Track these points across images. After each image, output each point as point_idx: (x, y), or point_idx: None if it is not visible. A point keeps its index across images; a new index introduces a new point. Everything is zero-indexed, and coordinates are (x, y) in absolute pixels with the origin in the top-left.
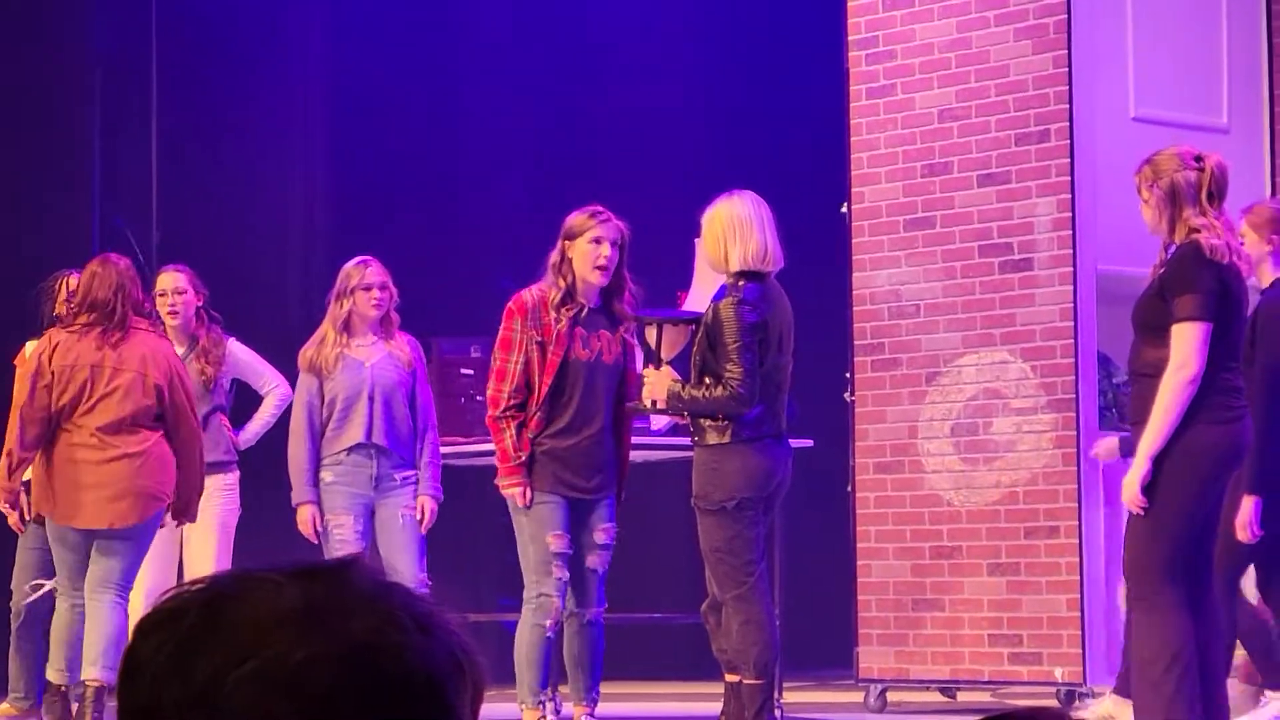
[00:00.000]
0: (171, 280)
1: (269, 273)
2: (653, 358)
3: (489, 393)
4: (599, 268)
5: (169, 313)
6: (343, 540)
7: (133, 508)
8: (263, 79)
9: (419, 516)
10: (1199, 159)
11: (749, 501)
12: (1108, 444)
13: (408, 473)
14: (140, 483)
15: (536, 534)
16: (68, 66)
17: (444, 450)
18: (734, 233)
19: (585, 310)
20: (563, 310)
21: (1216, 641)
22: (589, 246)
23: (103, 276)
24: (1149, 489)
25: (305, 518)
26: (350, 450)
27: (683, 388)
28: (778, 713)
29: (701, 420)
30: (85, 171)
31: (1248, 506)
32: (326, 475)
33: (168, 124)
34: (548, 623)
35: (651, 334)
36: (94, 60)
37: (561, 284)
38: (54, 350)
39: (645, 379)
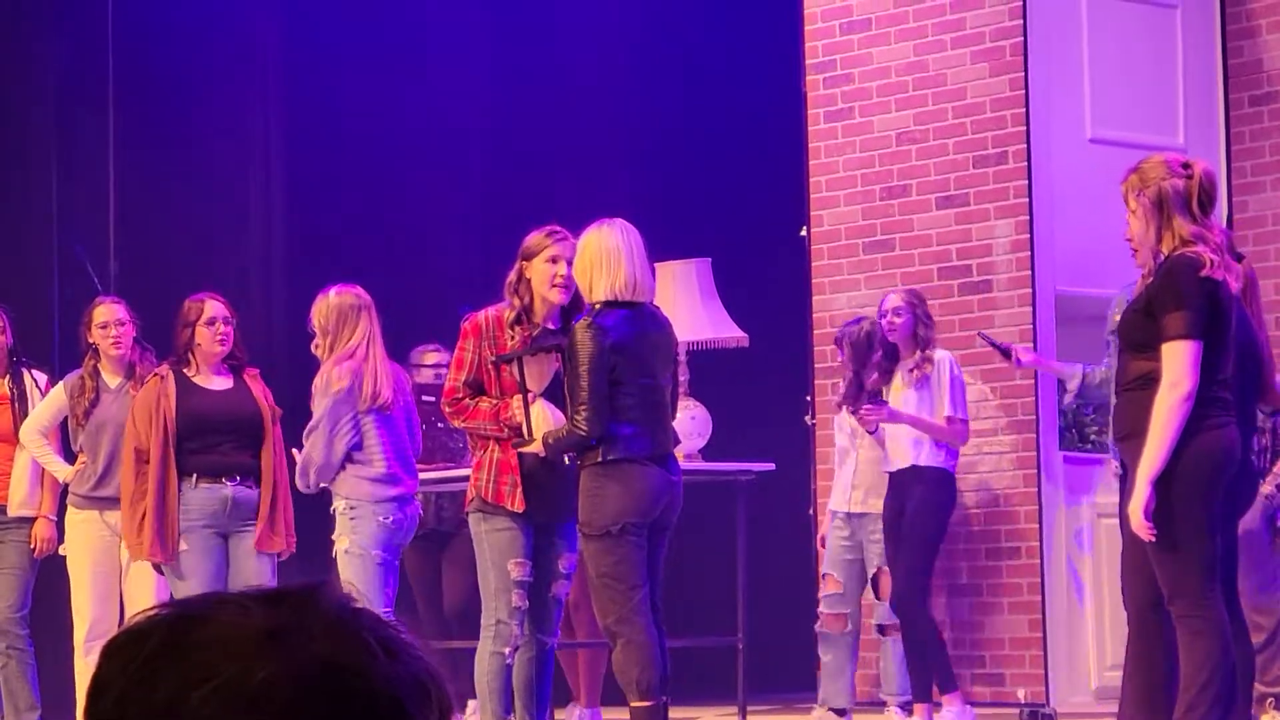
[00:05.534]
0: (112, 312)
1: (228, 300)
2: (522, 391)
3: (446, 414)
4: (557, 286)
5: (113, 343)
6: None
7: None
8: (220, 106)
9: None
10: (1187, 166)
11: (633, 526)
12: None
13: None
14: None
15: (497, 560)
16: (24, 94)
17: None
18: (601, 264)
19: (542, 330)
20: (517, 329)
21: (1248, 651)
22: (546, 266)
23: None
24: (1160, 511)
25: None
26: None
27: (549, 437)
28: None
29: None
30: (43, 200)
31: None
32: None
33: (125, 151)
34: (506, 649)
35: (515, 371)
36: (50, 88)
37: (517, 303)
38: None
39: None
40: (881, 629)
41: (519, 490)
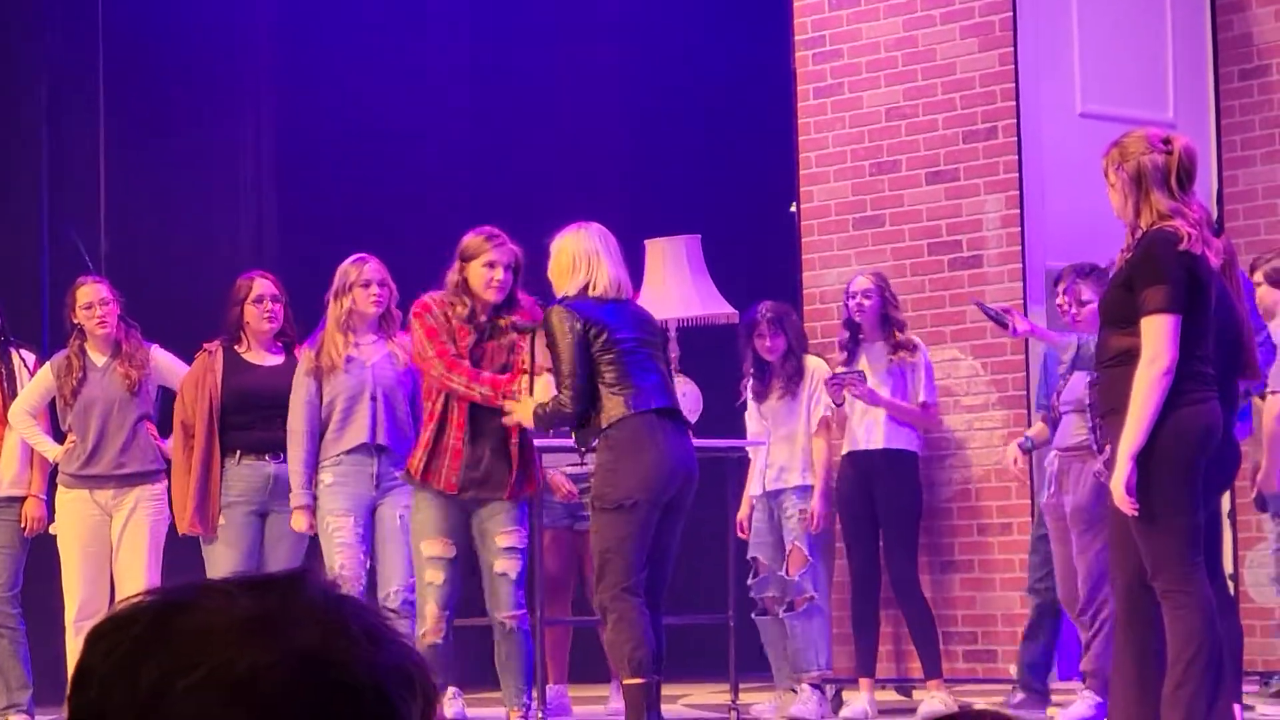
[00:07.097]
0: (96, 292)
1: (218, 281)
2: (530, 367)
3: (433, 374)
4: (492, 288)
5: (98, 323)
6: (344, 543)
7: None
8: (212, 87)
9: None
10: (1167, 141)
11: (645, 503)
12: None
13: None
14: None
15: (418, 536)
16: (14, 75)
17: None
18: (581, 267)
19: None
20: (469, 324)
21: (1233, 627)
22: (483, 270)
23: None
24: (1142, 487)
25: (301, 523)
26: (351, 451)
27: (540, 408)
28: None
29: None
30: (33, 181)
31: None
32: (326, 476)
33: (116, 133)
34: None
35: (526, 341)
36: (41, 69)
37: (467, 300)
38: None
39: (510, 409)
40: (790, 605)
41: (449, 471)
